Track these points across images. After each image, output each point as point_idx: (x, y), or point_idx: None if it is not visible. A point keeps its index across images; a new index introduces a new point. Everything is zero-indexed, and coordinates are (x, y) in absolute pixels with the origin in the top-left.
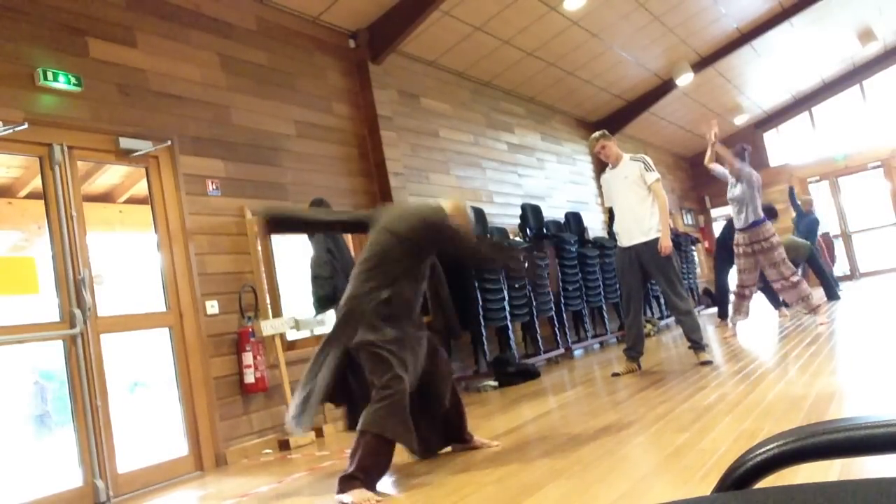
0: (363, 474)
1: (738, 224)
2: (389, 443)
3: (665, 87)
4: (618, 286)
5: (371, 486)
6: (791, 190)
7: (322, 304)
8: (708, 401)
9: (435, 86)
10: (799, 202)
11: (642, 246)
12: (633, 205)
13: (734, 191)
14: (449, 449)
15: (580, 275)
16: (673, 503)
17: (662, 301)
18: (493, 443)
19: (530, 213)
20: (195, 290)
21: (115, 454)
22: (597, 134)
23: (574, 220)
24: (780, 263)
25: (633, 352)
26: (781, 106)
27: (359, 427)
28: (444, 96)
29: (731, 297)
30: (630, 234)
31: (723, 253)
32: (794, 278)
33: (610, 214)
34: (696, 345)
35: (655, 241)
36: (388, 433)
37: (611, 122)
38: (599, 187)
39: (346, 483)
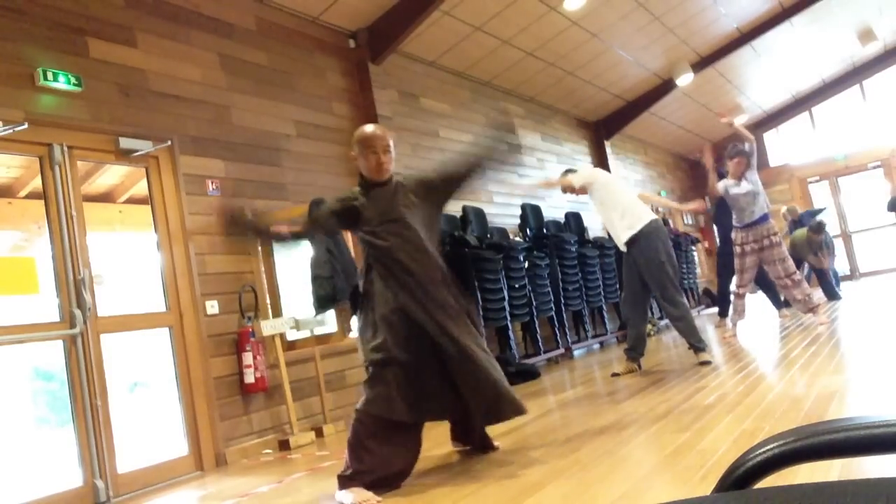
0: (359, 470)
1: (742, 221)
2: (376, 422)
3: (665, 87)
4: (618, 286)
5: (368, 483)
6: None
7: (322, 304)
8: (708, 401)
9: (435, 86)
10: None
11: (633, 246)
12: (606, 215)
13: (743, 187)
14: (450, 449)
15: (580, 275)
16: (673, 503)
17: None
18: (493, 443)
19: (530, 213)
20: (195, 290)
21: (115, 454)
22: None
23: (574, 220)
24: (780, 261)
25: (634, 352)
26: (781, 106)
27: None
28: (444, 96)
29: (732, 298)
30: (618, 238)
31: (724, 266)
32: (796, 277)
33: None
34: (696, 346)
35: (640, 233)
36: (373, 409)
37: (611, 122)
38: None
39: (346, 481)
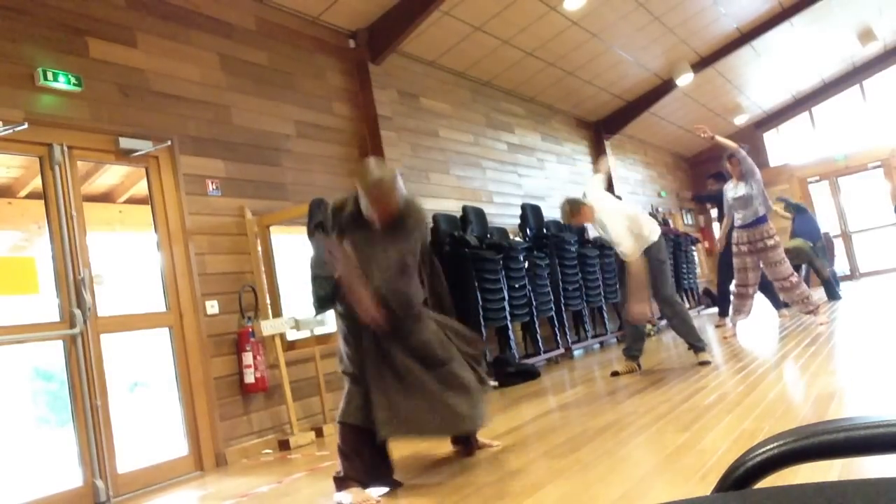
0: (353, 470)
1: (740, 221)
2: (360, 430)
3: (665, 87)
4: (618, 286)
5: (366, 482)
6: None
7: (322, 304)
8: (708, 401)
9: (435, 86)
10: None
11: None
12: (620, 242)
13: (738, 191)
14: (450, 449)
15: (580, 275)
16: (673, 503)
17: None
18: (493, 443)
19: (530, 213)
20: (195, 290)
21: (115, 454)
22: (567, 208)
23: None
24: (778, 264)
25: (633, 351)
26: (781, 106)
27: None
28: (444, 96)
29: (732, 298)
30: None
31: (725, 265)
32: (794, 279)
33: None
34: (695, 346)
35: (648, 247)
36: (349, 419)
37: (611, 122)
38: None
39: (341, 483)
